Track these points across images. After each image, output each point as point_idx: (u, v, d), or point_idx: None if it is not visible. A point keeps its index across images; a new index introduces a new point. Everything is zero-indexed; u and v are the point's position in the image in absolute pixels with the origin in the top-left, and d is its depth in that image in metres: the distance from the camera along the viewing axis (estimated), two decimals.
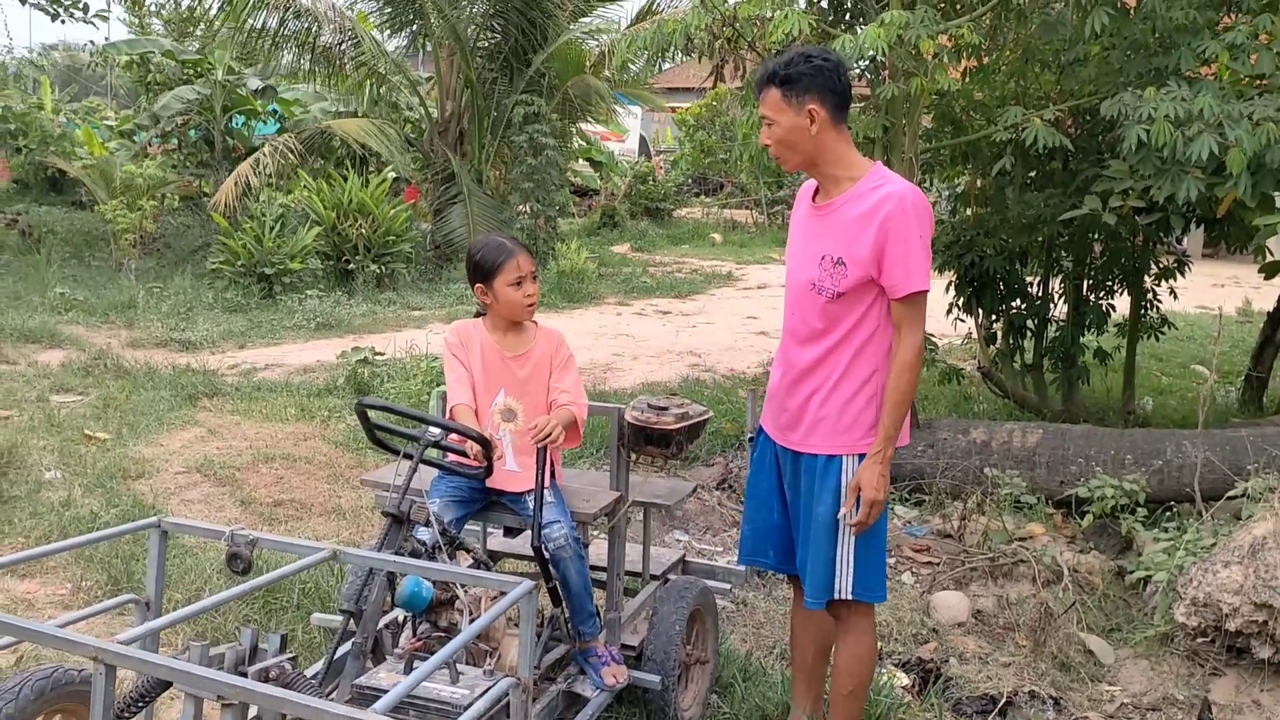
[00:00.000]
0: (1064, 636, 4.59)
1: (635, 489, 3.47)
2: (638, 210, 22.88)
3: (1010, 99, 6.79)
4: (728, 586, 3.85)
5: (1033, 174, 7.37)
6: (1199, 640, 4.38)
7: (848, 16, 6.57)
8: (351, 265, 13.31)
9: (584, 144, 19.96)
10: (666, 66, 18.00)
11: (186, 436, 6.63)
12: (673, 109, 28.25)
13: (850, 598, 2.97)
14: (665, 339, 11.02)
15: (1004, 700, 4.16)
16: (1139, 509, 5.38)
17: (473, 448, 2.99)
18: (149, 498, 5.45)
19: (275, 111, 19.36)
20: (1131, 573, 5.10)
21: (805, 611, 3.17)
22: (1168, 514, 5.55)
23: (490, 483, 3.15)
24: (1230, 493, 5.07)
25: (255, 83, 18.10)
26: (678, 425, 3.24)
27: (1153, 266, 7.60)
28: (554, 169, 14.89)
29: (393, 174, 15.72)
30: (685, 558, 3.92)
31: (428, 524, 2.84)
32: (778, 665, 4.05)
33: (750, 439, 3.32)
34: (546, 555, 3.07)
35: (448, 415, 3.29)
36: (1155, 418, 8.29)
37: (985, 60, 6.58)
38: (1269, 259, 7.29)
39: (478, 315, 3.47)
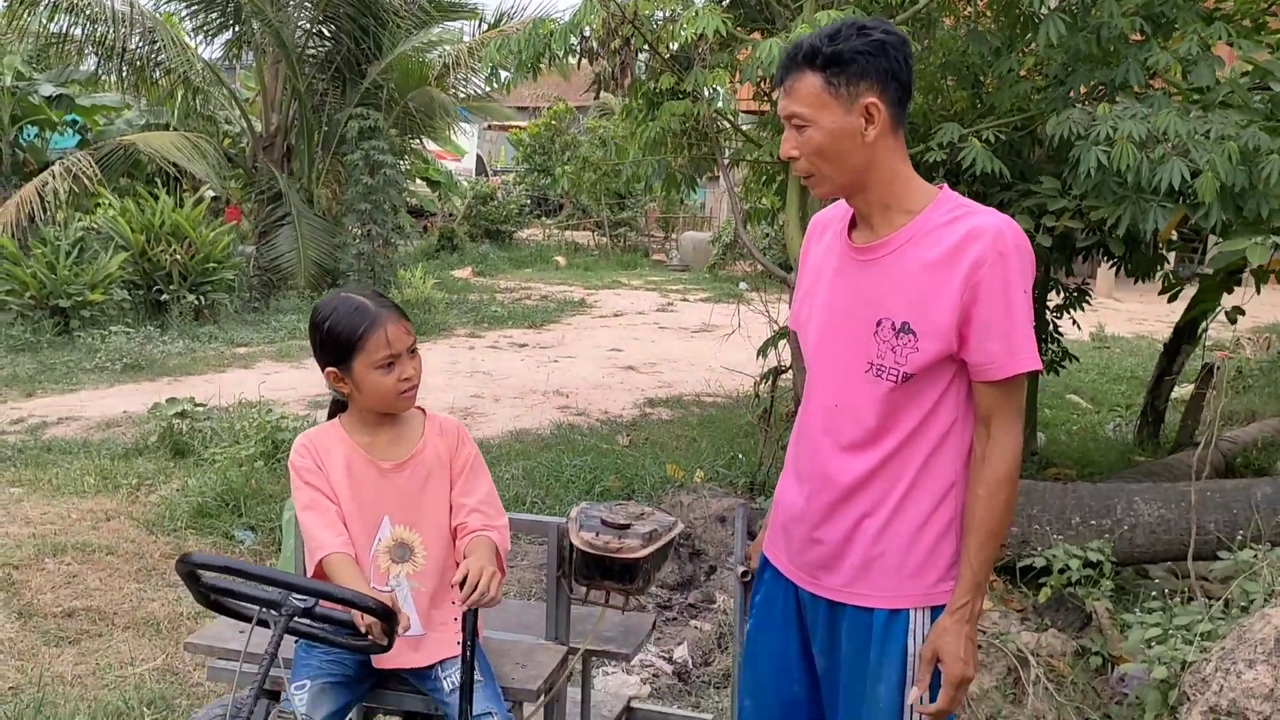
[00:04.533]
0: None
1: (580, 630, 2.52)
2: (478, 232, 21.82)
3: (920, 115, 6.18)
4: None
5: None
6: None
7: (758, 19, 5.80)
8: (165, 296, 11.82)
9: (421, 163, 18.77)
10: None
11: None
12: (506, 127, 27.37)
13: None
14: (526, 376, 10.03)
15: None
16: (1103, 580, 4.75)
17: (365, 621, 2.00)
18: None
19: (75, 121, 17.44)
20: (1100, 657, 4.46)
21: None
22: (1131, 581, 4.96)
23: (384, 660, 2.15)
24: (1218, 564, 4.48)
25: (49, 89, 16.22)
26: (647, 551, 2.31)
27: (1054, 296, 7.13)
28: (392, 189, 13.69)
29: (211, 193, 14.21)
30: (631, 703, 2.96)
31: None
32: None
33: (744, 575, 2.39)
34: None
35: (311, 568, 2.25)
36: (1053, 455, 7.86)
37: None
38: (1171, 283, 6.90)
39: (334, 410, 2.46)
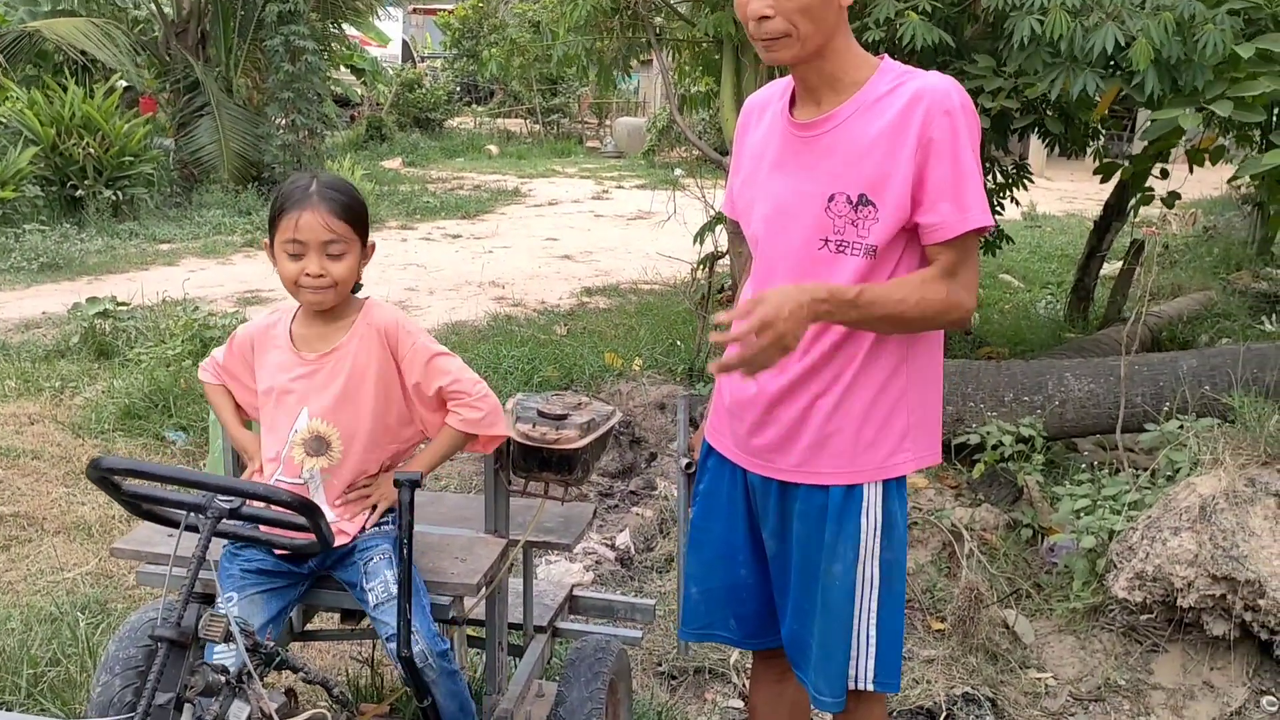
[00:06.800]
0: (987, 620, 3.99)
1: (520, 522, 2.49)
2: (406, 121, 21.28)
3: None
4: (638, 634, 2.91)
5: None
6: (1142, 617, 3.84)
7: None
8: (80, 192, 11.36)
9: (345, 49, 18.13)
10: None
11: None
12: (432, 10, 26.53)
13: (871, 688, 2.08)
14: (461, 267, 9.88)
15: (944, 715, 3.52)
16: (1034, 455, 4.85)
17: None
18: None
19: None
20: (1031, 529, 4.57)
21: (773, 691, 2.32)
22: (1060, 455, 5.07)
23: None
24: (1145, 435, 4.58)
25: None
26: (584, 441, 2.28)
27: (994, 175, 7.13)
28: (315, 76, 13.23)
29: (123, 83, 13.59)
30: (574, 591, 2.96)
31: (228, 639, 1.80)
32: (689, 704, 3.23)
33: (687, 466, 2.35)
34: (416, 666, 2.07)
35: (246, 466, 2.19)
36: (986, 334, 7.95)
37: None
38: (1103, 160, 6.93)
39: None
